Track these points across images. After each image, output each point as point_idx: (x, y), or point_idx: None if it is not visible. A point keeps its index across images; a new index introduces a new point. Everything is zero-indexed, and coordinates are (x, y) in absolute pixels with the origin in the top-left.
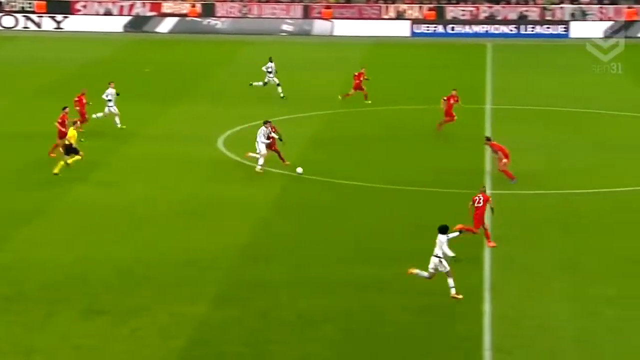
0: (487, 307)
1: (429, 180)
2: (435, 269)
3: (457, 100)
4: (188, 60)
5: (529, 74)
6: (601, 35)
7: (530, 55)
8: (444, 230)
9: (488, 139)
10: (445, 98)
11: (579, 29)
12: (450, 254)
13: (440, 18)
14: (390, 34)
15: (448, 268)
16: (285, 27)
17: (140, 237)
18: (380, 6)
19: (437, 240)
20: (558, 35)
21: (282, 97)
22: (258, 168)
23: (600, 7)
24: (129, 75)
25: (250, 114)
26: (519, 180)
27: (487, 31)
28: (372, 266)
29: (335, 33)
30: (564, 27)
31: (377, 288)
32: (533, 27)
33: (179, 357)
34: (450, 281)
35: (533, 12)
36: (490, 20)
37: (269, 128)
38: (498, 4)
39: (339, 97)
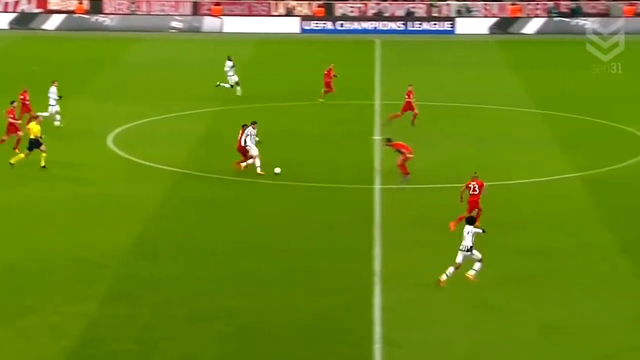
0: (377, 299)
1: (319, 175)
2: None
3: (412, 95)
4: (76, 57)
5: (417, 70)
6: (486, 32)
7: (418, 51)
8: (472, 220)
9: (388, 140)
10: (406, 95)
11: (464, 26)
12: (480, 230)
13: (329, 14)
14: (280, 31)
15: (460, 262)
16: (174, 24)
17: (29, 236)
18: (269, 3)
19: (467, 232)
20: (444, 32)
21: (238, 95)
22: (258, 170)
23: (485, 4)
24: (17, 73)
25: (139, 112)
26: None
27: (375, 27)
28: (263, 262)
29: (225, 30)
30: (450, 24)
31: (267, 283)
32: (420, 24)
33: (69, 356)
34: (452, 270)
35: (420, 9)
36: (379, 16)
37: (256, 129)
38: (386, 0)
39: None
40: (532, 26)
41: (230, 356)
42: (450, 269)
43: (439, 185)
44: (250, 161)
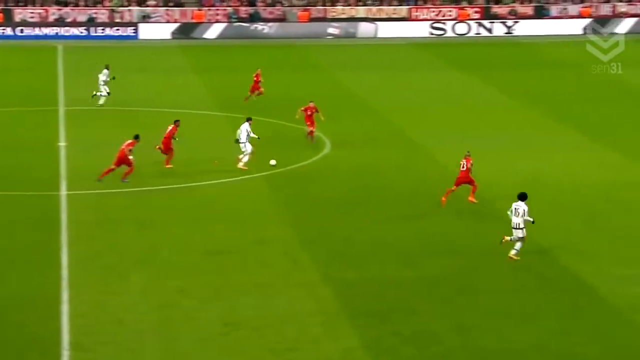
0: (65, 307)
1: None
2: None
3: (316, 111)
4: None
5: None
6: (169, 37)
7: (101, 57)
8: (524, 197)
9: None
10: (302, 109)
11: (147, 31)
12: (530, 219)
13: (8, 20)
14: None
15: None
16: None
17: None
18: None
19: (519, 209)
20: (128, 37)
21: (100, 105)
22: (241, 164)
23: (167, 10)
24: None
25: None
26: (93, 180)
27: (57, 33)
28: None
29: None
30: (134, 29)
31: None
32: (103, 29)
33: None
34: (519, 245)
35: (103, 15)
36: (60, 22)
37: (251, 125)
38: (67, 6)
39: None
40: (214, 31)
41: None
42: (518, 244)
43: (128, 190)
44: (245, 159)
